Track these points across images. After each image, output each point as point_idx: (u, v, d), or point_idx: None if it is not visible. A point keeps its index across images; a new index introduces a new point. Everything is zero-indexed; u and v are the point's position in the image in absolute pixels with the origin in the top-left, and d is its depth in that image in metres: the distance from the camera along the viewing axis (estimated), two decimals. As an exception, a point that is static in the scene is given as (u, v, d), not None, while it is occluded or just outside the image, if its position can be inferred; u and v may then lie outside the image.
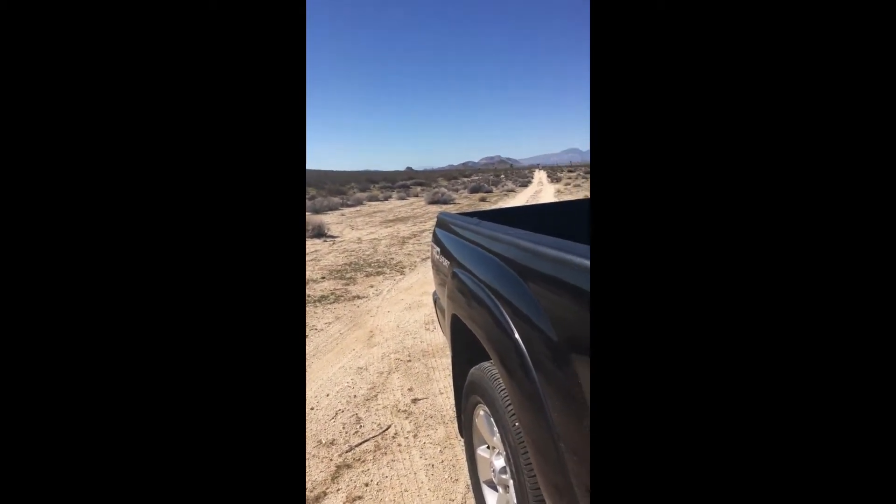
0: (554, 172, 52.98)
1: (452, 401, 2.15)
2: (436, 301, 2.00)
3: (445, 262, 1.55)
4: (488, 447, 1.30)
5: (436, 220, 1.90)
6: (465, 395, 1.34)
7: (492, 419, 1.18)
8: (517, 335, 0.96)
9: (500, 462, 1.21)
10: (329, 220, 10.18)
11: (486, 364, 1.22)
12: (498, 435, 1.17)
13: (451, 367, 2.47)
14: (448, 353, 2.70)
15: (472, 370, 1.28)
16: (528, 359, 0.91)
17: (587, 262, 0.77)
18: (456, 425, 1.90)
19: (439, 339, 2.96)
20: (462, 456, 1.73)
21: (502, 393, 1.08)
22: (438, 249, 1.70)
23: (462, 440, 1.63)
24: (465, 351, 1.43)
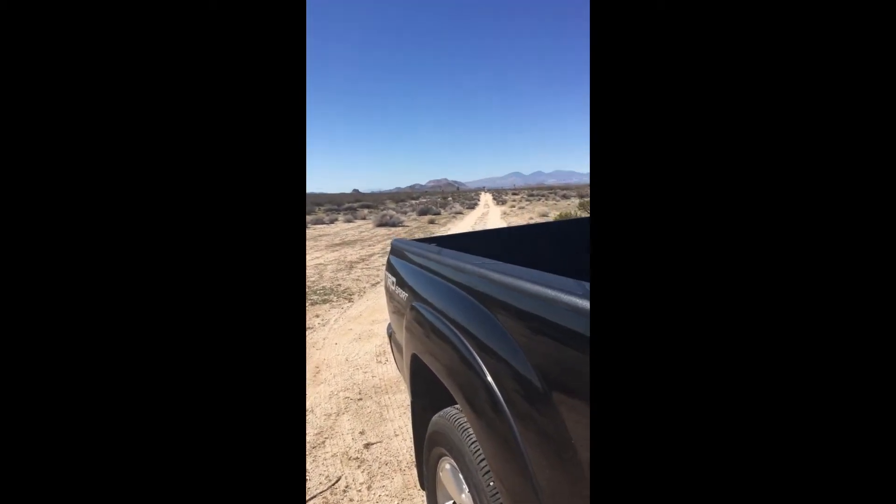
0: (499, 195, 54.57)
1: (410, 443, 1.97)
2: (390, 335, 1.84)
3: (403, 295, 1.41)
4: (454, 504, 1.15)
5: (390, 247, 1.76)
6: (428, 446, 1.19)
7: (460, 475, 1.04)
8: (489, 377, 0.84)
9: (469, 524, 1.07)
10: (271, 244, 9.62)
11: (451, 410, 1.09)
12: (467, 492, 1.03)
13: (406, 404, 2.30)
14: (403, 387, 2.52)
15: (435, 418, 1.14)
16: (502, 399, 0.81)
17: (568, 297, 0.68)
18: (415, 473, 1.73)
19: (393, 373, 2.78)
20: (423, 509, 1.55)
21: (473, 446, 0.95)
22: (394, 279, 1.55)
23: (423, 491, 1.46)
24: (426, 394, 1.29)
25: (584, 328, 0.69)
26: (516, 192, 72.32)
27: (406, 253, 1.51)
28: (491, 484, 0.88)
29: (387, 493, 1.66)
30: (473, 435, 0.94)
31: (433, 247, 1.34)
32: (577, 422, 0.74)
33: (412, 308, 1.26)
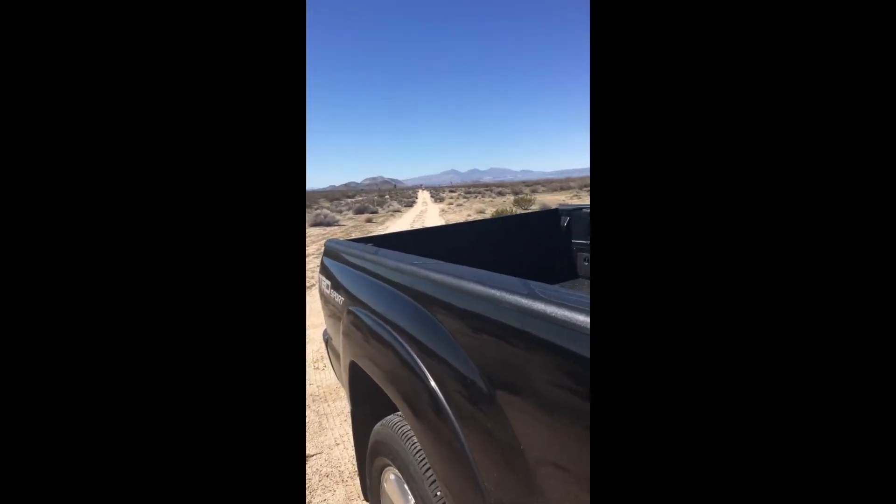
0: (437, 193, 54.91)
1: (351, 452, 1.89)
2: (327, 341, 1.75)
3: (339, 298, 1.33)
4: (400, 514, 1.11)
5: (323, 248, 1.67)
6: (370, 456, 1.13)
7: (405, 485, 1.00)
8: (432, 382, 0.81)
9: (416, 534, 1.03)
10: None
11: (393, 418, 1.04)
12: (412, 502, 0.99)
13: (346, 411, 2.21)
14: (343, 394, 2.43)
15: (377, 427, 1.08)
16: (445, 404, 0.78)
17: (513, 297, 0.67)
18: (359, 483, 1.66)
19: (331, 380, 2.66)
20: (367, 520, 1.49)
21: (417, 455, 0.91)
22: (328, 283, 1.47)
23: (367, 503, 1.40)
24: (367, 402, 1.23)
25: (529, 327, 0.67)
26: (453, 189, 73.24)
27: (341, 254, 1.43)
28: (438, 494, 0.84)
29: (328, 507, 1.58)
30: (417, 443, 0.90)
31: (369, 247, 1.28)
32: (523, 422, 0.73)
33: (349, 312, 1.19)
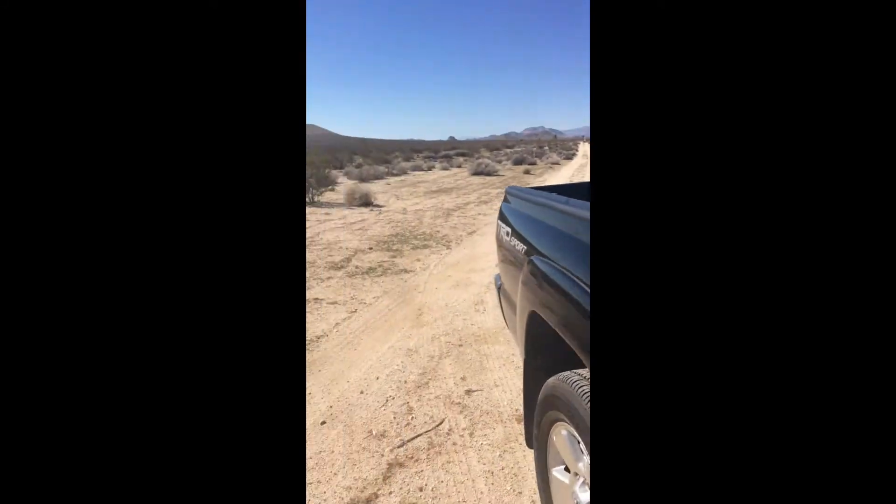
0: (603, 143, 50.52)
1: (510, 395, 1.96)
2: (499, 288, 1.78)
3: (519, 247, 1.31)
4: (567, 469, 1.09)
5: (504, 194, 1.65)
6: (541, 407, 1.13)
7: (580, 445, 0.97)
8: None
9: (585, 495, 1.00)
10: (375, 188, 10.13)
11: (573, 376, 1.00)
12: (586, 461, 0.96)
13: (504, 356, 2.28)
14: (502, 339, 2.50)
15: (553, 381, 1.06)
16: None
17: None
18: (521, 429, 1.71)
19: (491, 323, 2.77)
20: (525, 464, 1.54)
21: (601, 419, 0.86)
22: (508, 230, 1.46)
23: (524, 445, 1.43)
24: (542, 354, 1.21)
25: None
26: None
27: (523, 201, 1.39)
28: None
29: (488, 442, 1.67)
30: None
31: (558, 196, 1.21)
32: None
33: (531, 262, 1.16)
